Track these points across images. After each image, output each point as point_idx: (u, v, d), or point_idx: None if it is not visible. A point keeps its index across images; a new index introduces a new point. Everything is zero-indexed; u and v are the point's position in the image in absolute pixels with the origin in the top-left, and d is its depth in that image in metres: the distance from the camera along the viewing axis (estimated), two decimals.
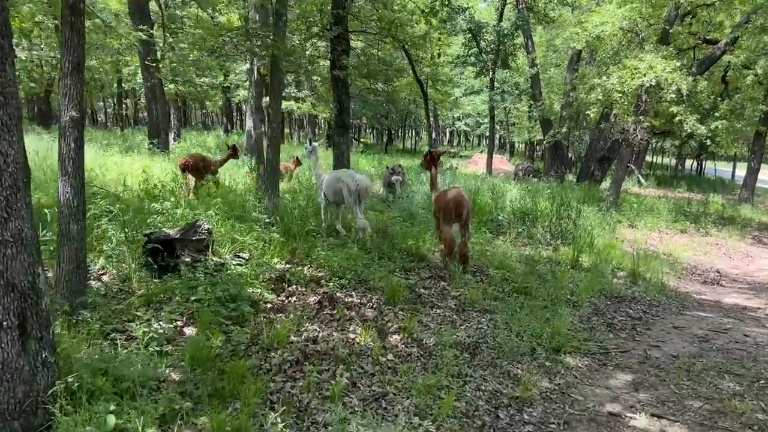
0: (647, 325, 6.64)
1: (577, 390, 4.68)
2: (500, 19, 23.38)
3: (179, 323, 4.75)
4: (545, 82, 28.13)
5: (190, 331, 4.68)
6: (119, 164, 12.67)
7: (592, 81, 14.81)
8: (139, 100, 39.55)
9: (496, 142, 52.15)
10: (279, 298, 5.69)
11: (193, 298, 4.97)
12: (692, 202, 17.71)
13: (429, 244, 8.50)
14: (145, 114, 22.34)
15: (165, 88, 22.79)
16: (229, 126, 37.50)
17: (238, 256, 6.45)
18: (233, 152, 11.63)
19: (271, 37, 7.85)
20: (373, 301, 5.89)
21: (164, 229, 6.33)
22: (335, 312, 5.47)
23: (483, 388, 4.46)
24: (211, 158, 11.91)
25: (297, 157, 14.69)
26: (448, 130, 66.04)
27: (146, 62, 17.09)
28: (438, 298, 6.37)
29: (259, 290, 5.62)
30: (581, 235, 10.29)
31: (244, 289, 5.43)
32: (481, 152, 35.48)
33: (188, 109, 57.98)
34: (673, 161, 47.11)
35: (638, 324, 6.64)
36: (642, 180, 27.65)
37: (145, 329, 4.19)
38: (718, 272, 10.25)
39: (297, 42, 10.62)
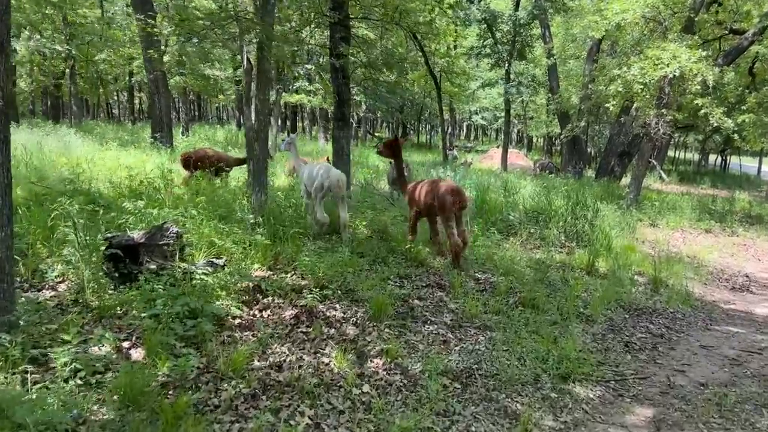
0: (670, 344, 5.86)
1: (587, 430, 3.96)
2: (516, 8, 22.50)
3: (125, 345, 4.13)
4: (563, 74, 27.20)
5: (138, 354, 4.06)
6: (113, 159, 12.15)
7: (612, 72, 14.07)
8: None
9: (514, 136, 51.20)
10: (250, 313, 5.03)
11: (144, 314, 4.33)
12: (717, 200, 16.79)
13: (429, 247, 7.82)
14: None
15: (171, 81, 22.31)
16: (242, 120, 36.98)
17: (212, 263, 5.80)
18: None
19: (256, 20, 7.18)
20: (357, 315, 5.21)
21: (130, 232, 5.71)
22: (311, 330, 4.79)
23: (473, 429, 3.75)
24: (222, 153, 11.31)
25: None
26: (465, 125, 65.05)
27: (146, 52, 16.58)
28: (433, 312, 5.67)
29: (228, 302, 4.98)
30: (598, 236, 9.52)
31: (210, 303, 4.79)
32: (498, 147, 34.58)
33: (203, 103, 57.79)
34: (696, 156, 45.83)
35: (660, 342, 5.87)
36: (664, 176, 26.69)
37: (68, 357, 3.55)
38: (747, 277, 9.50)
39: (293, 27, 9.96)
